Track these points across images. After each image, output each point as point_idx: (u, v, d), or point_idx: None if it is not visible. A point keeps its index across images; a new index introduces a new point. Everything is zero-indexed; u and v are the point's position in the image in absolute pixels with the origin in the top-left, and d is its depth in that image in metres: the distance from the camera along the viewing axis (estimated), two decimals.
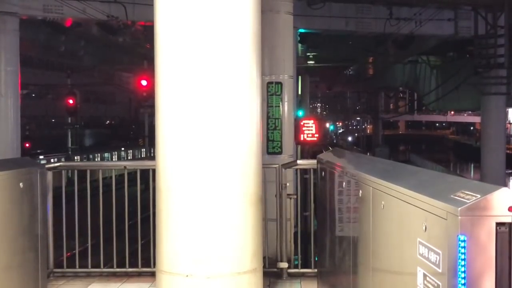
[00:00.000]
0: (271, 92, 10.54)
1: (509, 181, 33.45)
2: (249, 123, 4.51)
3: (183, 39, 4.35)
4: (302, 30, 18.22)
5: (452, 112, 63.76)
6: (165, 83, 4.46)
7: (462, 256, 2.12)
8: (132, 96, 44.77)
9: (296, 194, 6.89)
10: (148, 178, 6.09)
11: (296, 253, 6.76)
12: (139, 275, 6.31)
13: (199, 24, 4.32)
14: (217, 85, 4.34)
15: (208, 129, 4.34)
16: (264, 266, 5.10)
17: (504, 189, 2.15)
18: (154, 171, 4.84)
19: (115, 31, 18.75)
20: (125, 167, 6.38)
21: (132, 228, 6.32)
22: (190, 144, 4.35)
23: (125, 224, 6.28)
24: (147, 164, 6.74)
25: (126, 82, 45.74)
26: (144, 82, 24.97)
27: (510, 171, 33.85)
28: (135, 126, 51.13)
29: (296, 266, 6.44)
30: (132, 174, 6.50)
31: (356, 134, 76.35)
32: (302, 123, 11.68)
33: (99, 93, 49.10)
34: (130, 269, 6.38)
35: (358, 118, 77.89)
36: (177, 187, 4.42)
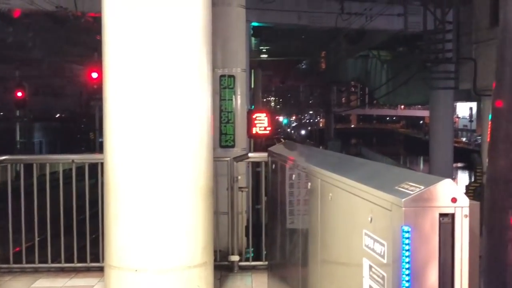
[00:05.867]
0: (223, 85, 10.47)
1: (457, 174, 34.32)
2: (199, 116, 4.48)
3: (130, 31, 4.29)
4: (255, 24, 18.23)
5: (403, 106, 65.02)
6: (113, 76, 4.39)
7: (406, 247, 2.13)
8: (83, 89, 43.90)
9: (248, 187, 6.90)
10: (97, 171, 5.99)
11: (248, 246, 6.77)
12: (88, 270, 6.22)
13: (147, 16, 4.26)
14: (166, 77, 4.30)
15: (156, 122, 4.29)
16: (215, 260, 5.09)
17: (447, 180, 2.18)
18: (103, 164, 4.75)
19: (65, 22, 18.38)
20: (73, 160, 6.25)
21: (82, 223, 6.22)
22: (139, 137, 4.30)
23: (73, 219, 6.18)
24: (96, 157, 6.59)
25: (77, 75, 44.82)
26: (94, 75, 24.52)
27: (459, 165, 34.77)
28: (86, 119, 50.21)
29: (247, 259, 6.44)
30: (82, 168, 6.37)
31: (309, 128, 77.03)
32: (254, 117, 11.62)
33: (49, 85, 47.98)
34: (79, 264, 6.28)
35: (311, 112, 78.55)
36: (125, 180, 4.37)
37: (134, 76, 4.29)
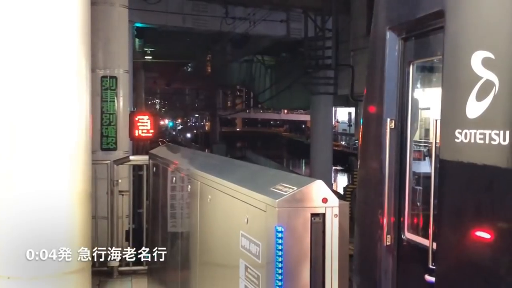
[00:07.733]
0: (105, 86, 10.17)
1: (337, 176, 35.65)
2: (76, 119, 4.35)
3: None
4: (139, 25, 17.95)
5: (286, 111, 66.58)
6: None
7: (280, 247, 2.19)
8: None
9: (130, 191, 6.76)
10: None
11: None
12: None
13: (16, 11, 4.07)
14: (38, 78, 4.13)
15: (29, 125, 4.12)
16: (93, 265, 4.96)
17: (318, 182, 2.26)
18: None
19: None
20: None
21: None
22: (9, 139, 4.11)
23: None
24: None
25: None
26: None
27: (339, 167, 36.12)
28: None
29: (127, 264, 6.32)
30: None
31: (195, 131, 76.87)
32: (137, 119, 11.41)
33: None
34: None
35: (197, 115, 78.51)
36: None
37: (1, 74, 4.09)
